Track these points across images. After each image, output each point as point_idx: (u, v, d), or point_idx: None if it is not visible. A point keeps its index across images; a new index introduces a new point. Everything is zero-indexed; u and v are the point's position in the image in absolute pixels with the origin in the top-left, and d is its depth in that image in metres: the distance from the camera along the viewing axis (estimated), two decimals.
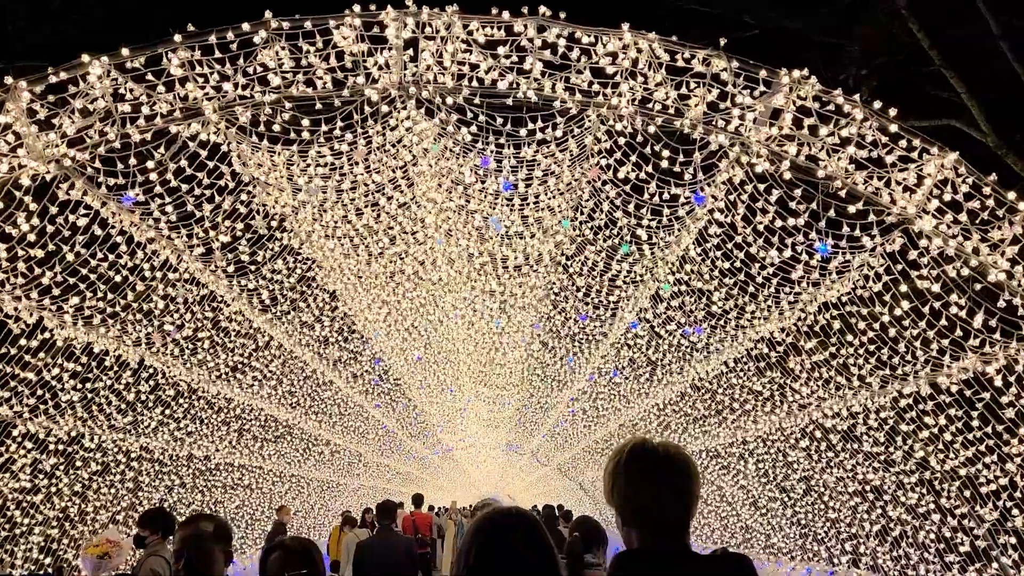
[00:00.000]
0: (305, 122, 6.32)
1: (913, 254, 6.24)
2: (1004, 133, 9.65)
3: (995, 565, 8.48)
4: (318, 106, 6.22)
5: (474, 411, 25.07)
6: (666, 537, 2.30)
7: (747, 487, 14.97)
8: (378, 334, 13.30)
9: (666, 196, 6.76)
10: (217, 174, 6.67)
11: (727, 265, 7.66)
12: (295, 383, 15.02)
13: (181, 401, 12.13)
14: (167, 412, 12.08)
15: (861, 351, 7.76)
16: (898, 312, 6.80)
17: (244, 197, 7.20)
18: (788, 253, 6.66)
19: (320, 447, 22.06)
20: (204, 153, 6.36)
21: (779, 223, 6.46)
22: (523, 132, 6.50)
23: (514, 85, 6.27)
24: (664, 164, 6.54)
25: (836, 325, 7.87)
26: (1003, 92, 9.77)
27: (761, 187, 6.41)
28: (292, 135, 6.35)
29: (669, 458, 2.35)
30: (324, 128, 6.31)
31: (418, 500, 19.38)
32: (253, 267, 8.58)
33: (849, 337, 7.79)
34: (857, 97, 6.17)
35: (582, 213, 8.16)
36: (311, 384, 15.83)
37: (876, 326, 7.22)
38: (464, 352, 15.58)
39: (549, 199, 7.76)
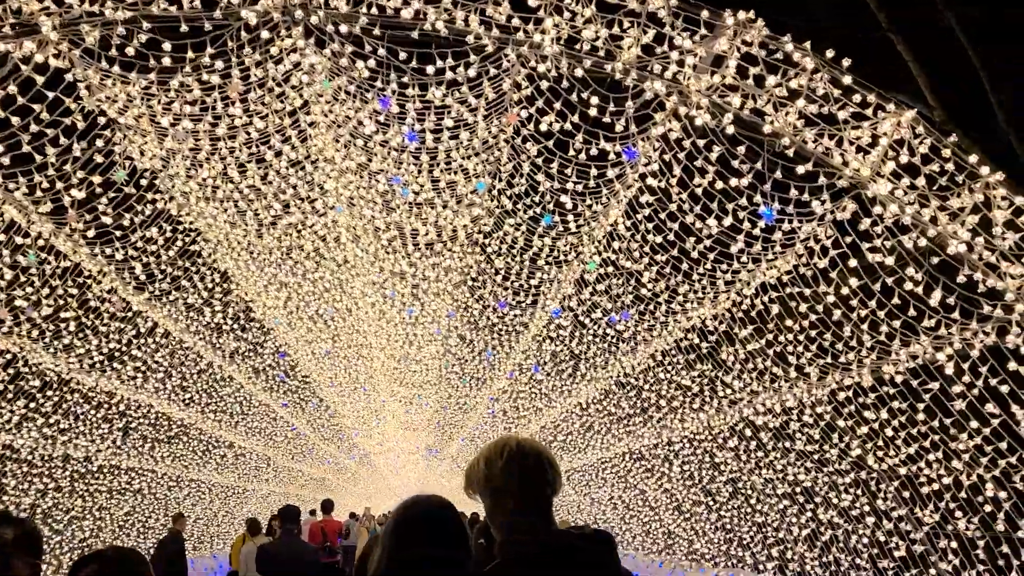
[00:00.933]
0: (167, 46, 5.26)
1: (865, 223, 5.56)
2: (952, 111, 9.22)
3: (932, 572, 7.94)
4: (183, 28, 5.18)
5: (391, 412, 23.93)
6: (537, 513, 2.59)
7: (671, 490, 14.35)
8: (279, 322, 12.16)
9: (594, 152, 5.93)
10: (62, 110, 5.55)
11: (659, 239, 6.89)
12: (187, 377, 13.71)
13: (49, 393, 10.76)
14: (32, 406, 10.70)
15: (801, 338, 7.09)
16: (845, 291, 6.13)
17: (100, 143, 6.08)
18: (728, 221, 5.91)
19: (222, 449, 20.59)
20: (41, 80, 5.23)
21: (720, 185, 5.70)
22: (430, 70, 5.59)
23: (421, 15, 5.37)
24: (593, 114, 5.72)
25: (775, 310, 7.19)
26: (952, 68, 9.34)
27: (701, 143, 5.64)
28: (151, 63, 5.28)
29: (536, 452, 2.66)
30: (190, 55, 5.27)
31: (327, 506, 18.14)
32: (119, 233, 7.41)
33: (788, 322, 7.12)
34: (808, 45, 5.47)
35: (500, 180, 7.30)
36: (207, 379, 14.52)
37: (819, 308, 6.54)
38: (376, 346, 14.51)
39: (463, 159, 6.85)
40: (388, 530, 2.76)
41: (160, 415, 15.18)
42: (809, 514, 9.87)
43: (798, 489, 9.86)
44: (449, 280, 10.05)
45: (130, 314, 10.00)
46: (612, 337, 9.80)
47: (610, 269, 8.21)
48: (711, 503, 12.89)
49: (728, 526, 12.67)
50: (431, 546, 2.70)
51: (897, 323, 5.87)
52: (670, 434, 12.27)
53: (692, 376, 9.59)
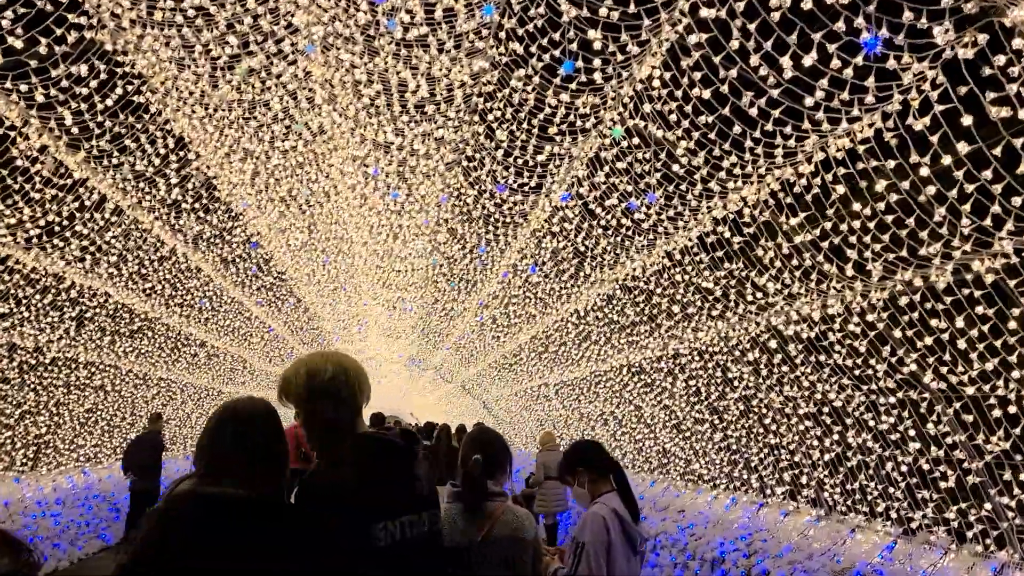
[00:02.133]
0: None
1: (1001, 60, 4.19)
2: None
3: (987, 506, 6.92)
4: None
5: (373, 318, 22.75)
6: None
7: (671, 407, 13.35)
8: (247, 204, 10.76)
9: None
10: None
11: (707, 93, 5.51)
12: (146, 264, 12.36)
13: None
14: None
15: (871, 226, 5.80)
16: (947, 161, 4.80)
17: None
18: (811, 59, 4.52)
19: (192, 348, 19.42)
20: None
21: (807, 4, 4.30)
22: None
23: None
24: None
25: (839, 190, 5.87)
26: None
27: None
28: None
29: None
30: None
31: None
32: (35, 63, 5.95)
33: (856, 206, 5.81)
34: None
35: (511, 14, 5.86)
36: (170, 268, 13.18)
37: (905, 186, 5.23)
38: (358, 239, 13.17)
39: None
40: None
41: (120, 306, 13.89)
42: (836, 437, 8.81)
43: (825, 409, 8.77)
44: (441, 158, 8.65)
45: (68, 181, 8.58)
46: (627, 229, 8.50)
47: (635, 140, 6.84)
48: (716, 422, 11.87)
49: (734, 447, 11.68)
50: None
51: (1021, 200, 4.57)
52: (679, 346, 11.13)
53: (716, 277, 8.35)
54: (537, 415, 24.96)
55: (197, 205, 10.37)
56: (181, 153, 8.85)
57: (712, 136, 5.88)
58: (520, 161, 7.88)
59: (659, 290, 9.77)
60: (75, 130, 7.17)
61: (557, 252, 10.48)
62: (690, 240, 8.27)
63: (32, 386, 13.86)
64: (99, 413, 17.50)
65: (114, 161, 8.44)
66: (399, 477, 2.78)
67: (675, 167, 6.64)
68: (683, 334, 10.55)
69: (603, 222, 8.47)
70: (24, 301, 11.19)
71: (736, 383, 10.38)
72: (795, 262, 6.92)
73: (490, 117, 7.44)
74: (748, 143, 5.70)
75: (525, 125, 7.12)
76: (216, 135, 8.07)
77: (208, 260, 13.13)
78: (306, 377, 2.82)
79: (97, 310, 13.40)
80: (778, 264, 7.15)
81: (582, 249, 9.89)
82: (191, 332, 17.98)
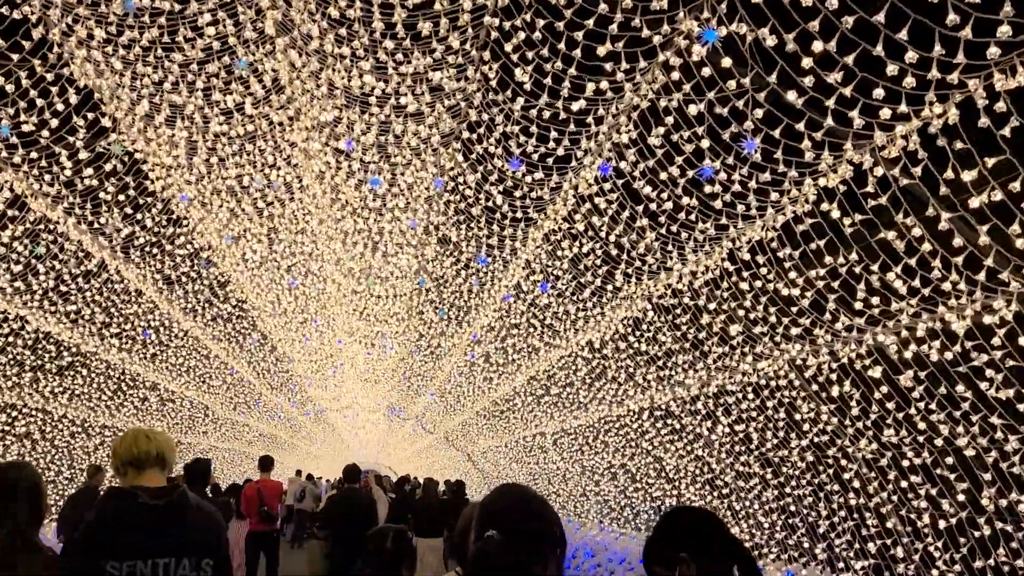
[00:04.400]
0: None
1: None
2: None
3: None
4: None
5: (348, 358, 20.33)
6: None
7: (705, 458, 11.08)
8: (186, 197, 8.51)
9: None
10: None
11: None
12: (66, 278, 10.02)
13: None
14: None
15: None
16: None
17: None
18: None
19: (141, 391, 16.90)
20: None
21: None
22: None
23: None
24: None
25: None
26: None
27: None
28: None
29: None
30: None
31: (266, 463, 14.58)
32: None
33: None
34: None
35: None
36: (100, 288, 10.84)
37: None
38: (329, 253, 10.93)
39: None
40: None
41: (41, 335, 11.50)
42: (962, 497, 6.57)
43: (949, 460, 6.54)
44: (437, 119, 6.48)
45: None
46: (686, 214, 6.33)
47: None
48: (769, 476, 9.61)
49: (793, 508, 9.40)
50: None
51: None
52: (727, 380, 8.90)
53: (808, 280, 6.18)
54: (529, 469, 22.51)
55: (122, 197, 8.12)
56: (90, 115, 6.62)
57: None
58: (547, 114, 5.72)
59: (713, 304, 7.57)
60: None
61: (579, 259, 8.29)
62: (773, 228, 6.11)
63: None
64: None
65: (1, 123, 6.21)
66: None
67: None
68: (738, 364, 8.32)
69: (647, 210, 6.30)
70: None
71: (807, 426, 8.15)
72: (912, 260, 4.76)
73: (509, 47, 5.31)
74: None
75: (560, 49, 4.99)
76: (126, 79, 5.87)
77: (146, 278, 10.80)
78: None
79: (10, 339, 11.01)
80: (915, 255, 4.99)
81: (615, 252, 7.70)
82: (137, 371, 15.51)
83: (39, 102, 6.07)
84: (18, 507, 3.15)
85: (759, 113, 4.72)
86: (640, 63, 4.91)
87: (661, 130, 5.61)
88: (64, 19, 5.17)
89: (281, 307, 13.97)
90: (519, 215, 7.87)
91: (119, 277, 10.89)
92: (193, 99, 6.15)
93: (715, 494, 11.32)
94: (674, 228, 6.56)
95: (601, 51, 4.78)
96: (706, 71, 4.83)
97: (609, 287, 8.46)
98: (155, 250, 9.90)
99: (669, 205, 6.28)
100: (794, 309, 6.60)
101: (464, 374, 18.07)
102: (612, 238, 7.41)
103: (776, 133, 4.74)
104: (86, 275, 10.31)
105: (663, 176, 6.02)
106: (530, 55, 5.25)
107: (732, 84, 4.69)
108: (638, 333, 9.69)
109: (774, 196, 5.46)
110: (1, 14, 5.18)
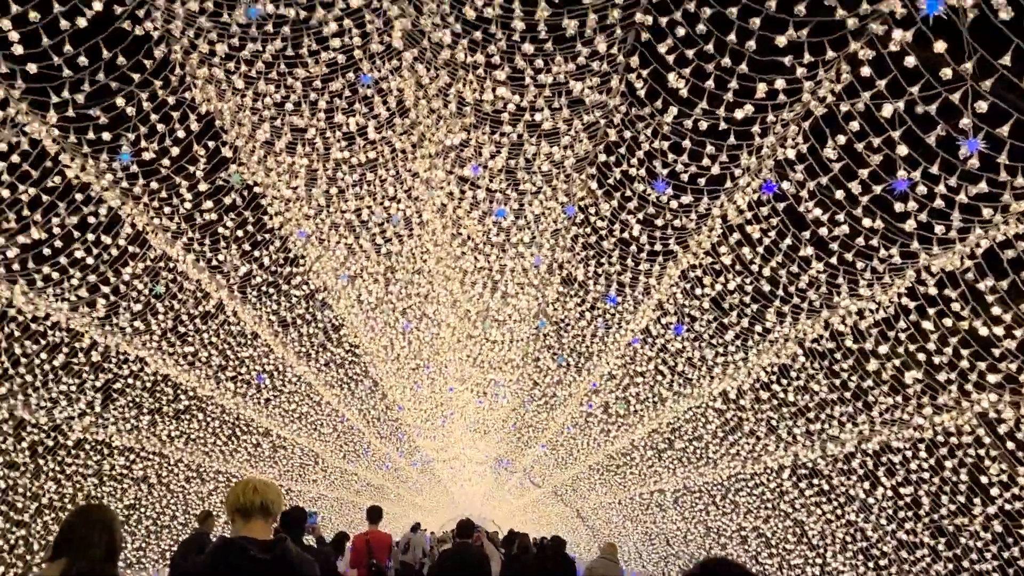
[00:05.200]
0: None
1: None
2: None
3: None
4: None
5: (459, 406, 19.81)
6: None
7: (859, 524, 9.86)
8: (304, 234, 8.17)
9: None
10: None
11: None
12: (186, 319, 9.86)
13: None
14: None
15: None
16: None
17: None
18: None
19: (255, 436, 16.79)
20: None
21: None
22: None
23: None
24: None
25: None
26: None
27: None
28: None
29: None
30: None
31: (375, 515, 14.06)
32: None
33: None
34: None
35: None
36: (217, 329, 10.67)
37: None
38: (446, 295, 10.44)
39: None
40: None
41: (159, 377, 11.42)
42: None
43: None
44: (572, 142, 5.88)
45: (57, 179, 6.16)
46: (875, 230, 5.45)
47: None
48: (941, 548, 8.36)
49: None
50: None
51: None
52: (894, 435, 7.80)
53: (997, 318, 5.18)
54: (645, 528, 21.27)
55: (241, 232, 7.84)
56: (211, 143, 6.34)
57: None
58: (704, 126, 5.01)
59: (885, 348, 6.58)
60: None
61: (723, 297, 7.45)
62: (971, 256, 5.16)
63: (51, 474, 11.37)
64: (142, 511, 14.91)
65: (123, 150, 5.98)
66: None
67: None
68: (911, 417, 7.24)
69: (830, 228, 5.45)
70: (26, 361, 8.78)
71: (996, 490, 6.98)
72: None
73: (663, 47, 4.66)
74: None
75: (730, 42, 4.30)
76: (247, 100, 5.53)
77: (262, 320, 10.56)
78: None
79: (130, 380, 10.94)
80: None
81: (767, 288, 6.84)
82: (251, 416, 15.39)
83: (160, 127, 5.80)
84: (95, 545, 3.43)
85: (982, 107, 3.87)
86: (827, 53, 4.16)
87: (841, 139, 4.81)
88: (186, 33, 4.85)
89: (394, 352, 13.59)
90: (658, 247, 7.13)
91: (236, 319, 10.71)
92: (315, 121, 5.76)
93: (870, 565, 10.03)
94: (848, 256, 5.68)
95: (781, 40, 4.06)
96: (909, 60, 4.04)
97: (758, 328, 7.57)
98: (272, 290, 9.63)
99: (844, 229, 5.43)
100: (995, 352, 5.58)
101: (579, 425, 17.22)
102: (767, 272, 6.57)
103: (1005, 130, 3.89)
104: (204, 316, 10.16)
105: (839, 195, 5.20)
106: (689, 54, 4.58)
107: (947, 73, 3.88)
108: (785, 381, 8.71)
109: (986, 212, 4.56)
110: (123, 30, 4.90)
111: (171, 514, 16.07)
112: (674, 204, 6.08)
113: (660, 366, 10.53)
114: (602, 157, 6.27)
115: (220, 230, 7.66)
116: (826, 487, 9.94)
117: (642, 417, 13.28)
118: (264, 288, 9.54)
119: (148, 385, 11.45)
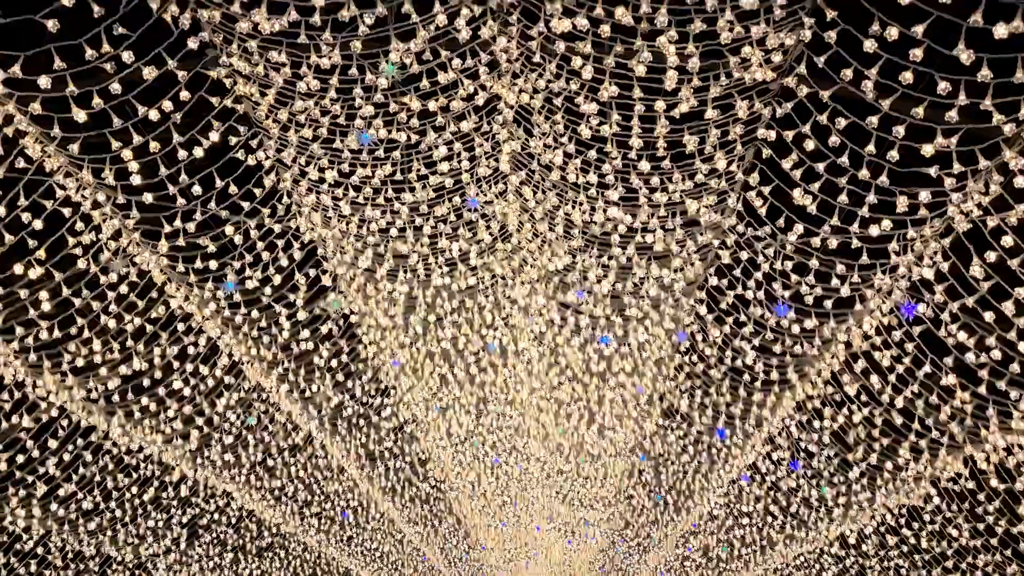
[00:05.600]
0: None
1: None
2: None
3: None
4: None
5: (544, 548, 18.86)
6: None
7: None
8: (398, 364, 8.00)
9: None
10: None
11: None
12: (276, 452, 9.67)
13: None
14: None
15: None
16: None
17: None
18: None
19: None
20: None
21: None
22: None
23: None
24: None
25: None
26: None
27: None
28: None
29: None
30: None
31: None
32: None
33: None
34: None
35: None
36: (304, 463, 10.43)
37: None
38: (536, 428, 10.04)
39: None
40: None
41: (244, 512, 11.17)
42: None
43: None
44: (684, 265, 5.62)
45: (162, 309, 6.18)
46: None
47: None
48: None
49: None
50: None
51: None
52: None
53: None
54: None
55: (334, 363, 7.72)
56: (312, 271, 6.31)
57: None
58: (834, 244, 4.69)
59: None
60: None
61: (846, 431, 6.86)
62: None
63: None
64: None
65: (227, 279, 5.99)
66: None
67: None
68: None
69: (976, 352, 4.95)
70: (117, 495, 8.66)
71: None
72: None
73: (787, 163, 4.42)
74: None
75: (868, 155, 4.03)
76: (352, 227, 5.47)
77: (350, 453, 10.30)
78: None
79: (215, 516, 10.71)
80: None
81: (898, 422, 6.26)
82: (332, 555, 14.89)
83: (264, 255, 5.79)
84: None
85: None
86: (979, 163, 3.83)
87: (991, 255, 4.40)
88: (296, 161, 4.86)
89: (480, 488, 13.07)
90: (773, 375, 6.66)
91: (323, 452, 10.48)
92: (419, 247, 5.66)
93: None
94: (1000, 385, 5.12)
95: (928, 150, 3.76)
96: None
97: (888, 465, 6.90)
98: (361, 421, 9.41)
99: (996, 355, 4.92)
100: None
101: (674, 570, 16.09)
102: (899, 403, 6.01)
103: None
104: (292, 449, 9.96)
105: (988, 316, 4.73)
106: (819, 167, 4.31)
107: None
108: (916, 526, 7.89)
109: None
110: (236, 160, 4.94)
111: None
112: (795, 329, 5.67)
113: (770, 505, 9.74)
114: (713, 280, 5.95)
115: (315, 360, 7.53)
116: None
117: (747, 562, 12.27)
118: (355, 420, 9.32)
119: (233, 521, 11.20)
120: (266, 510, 11.27)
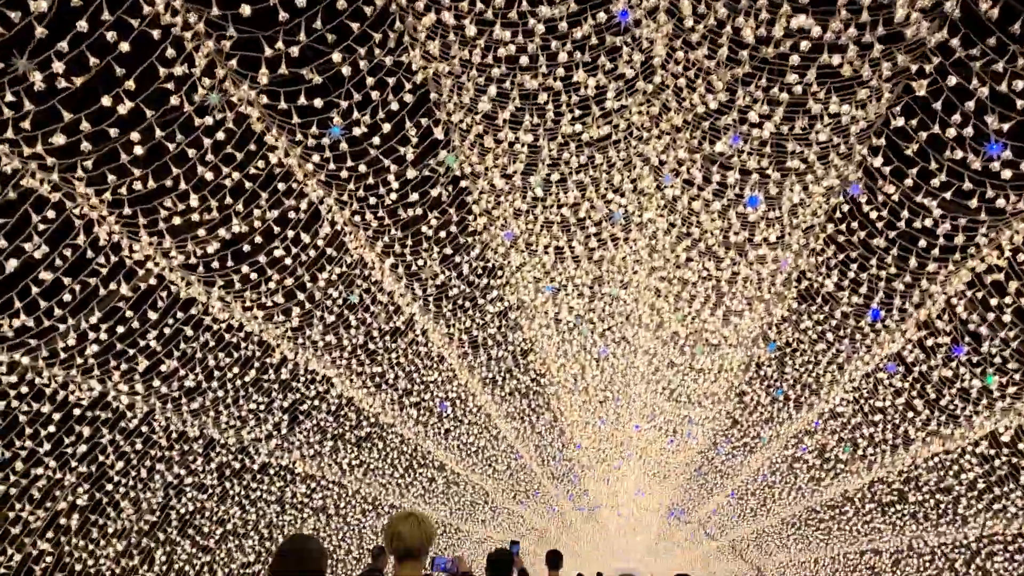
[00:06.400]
0: None
1: None
2: None
3: None
4: None
5: (639, 447, 18.38)
6: None
7: None
8: (511, 235, 7.29)
9: None
10: None
11: None
12: (378, 335, 9.19)
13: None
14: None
15: None
16: None
17: None
18: None
19: (429, 470, 16.11)
20: None
21: None
22: None
23: None
24: None
25: None
26: None
27: None
28: None
29: None
30: None
31: (555, 560, 12.93)
32: None
33: None
34: None
35: None
36: (405, 350, 9.96)
37: None
38: (650, 316, 9.27)
39: None
40: None
41: (344, 400, 10.87)
42: None
43: None
44: (872, 95, 4.63)
45: (262, 164, 5.57)
46: None
47: None
48: None
49: None
50: None
51: None
52: None
53: None
54: None
55: (442, 233, 7.05)
56: (423, 120, 5.56)
57: None
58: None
59: None
60: None
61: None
62: None
63: (236, 499, 11.01)
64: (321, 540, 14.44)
65: (334, 122, 5.31)
66: None
67: None
68: None
69: None
70: (219, 374, 8.35)
71: None
72: None
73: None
74: None
75: None
76: (472, 68, 4.67)
77: (452, 340, 9.78)
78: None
79: (316, 403, 10.44)
80: None
81: None
82: (428, 448, 14.71)
83: (374, 95, 5.06)
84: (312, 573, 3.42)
85: None
86: None
87: None
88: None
89: (583, 382, 12.50)
90: (959, 239, 5.68)
91: (424, 339, 10.00)
92: (551, 80, 4.83)
93: None
94: None
95: None
96: None
97: None
98: (467, 304, 8.82)
99: None
100: None
101: (780, 472, 15.42)
102: None
103: None
104: (393, 333, 9.49)
105: None
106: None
107: None
108: None
109: None
110: None
111: (346, 548, 15.58)
112: (1007, 174, 4.67)
113: (911, 399, 8.84)
114: (895, 123, 4.96)
115: (423, 230, 6.88)
116: None
117: (870, 464, 11.46)
118: (460, 302, 8.74)
119: (332, 409, 10.93)
120: (365, 398, 10.96)
